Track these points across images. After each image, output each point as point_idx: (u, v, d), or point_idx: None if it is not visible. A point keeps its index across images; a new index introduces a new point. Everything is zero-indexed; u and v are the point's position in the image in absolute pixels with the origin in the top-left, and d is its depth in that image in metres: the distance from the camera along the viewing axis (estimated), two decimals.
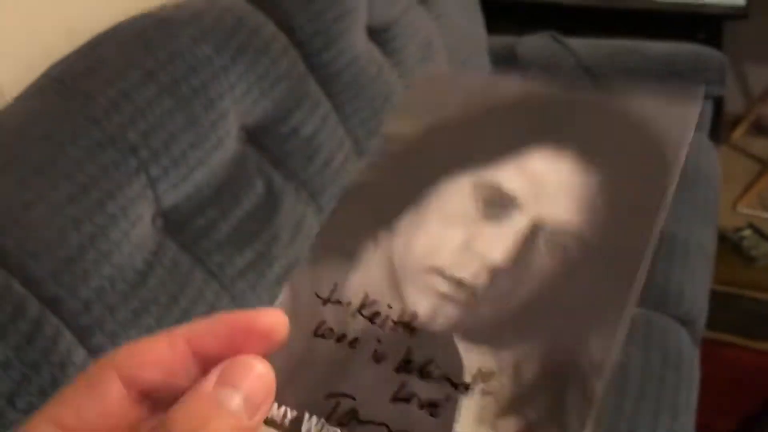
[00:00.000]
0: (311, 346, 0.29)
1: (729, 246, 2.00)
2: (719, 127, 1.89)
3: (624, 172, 0.30)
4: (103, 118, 0.89)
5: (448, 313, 0.28)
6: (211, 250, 0.99)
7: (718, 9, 1.95)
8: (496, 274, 0.28)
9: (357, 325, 0.29)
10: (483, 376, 0.27)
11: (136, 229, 0.90)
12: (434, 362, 0.28)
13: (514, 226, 0.29)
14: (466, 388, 0.27)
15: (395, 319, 0.29)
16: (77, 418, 0.25)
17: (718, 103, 1.78)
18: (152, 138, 0.93)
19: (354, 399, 0.28)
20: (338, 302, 0.30)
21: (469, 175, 0.31)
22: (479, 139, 0.32)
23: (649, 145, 0.30)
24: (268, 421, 0.28)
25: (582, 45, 1.75)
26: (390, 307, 0.29)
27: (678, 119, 0.30)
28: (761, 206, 2.17)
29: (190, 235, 0.99)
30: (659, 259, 1.27)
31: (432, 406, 0.27)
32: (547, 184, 0.30)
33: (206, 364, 0.26)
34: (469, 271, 0.29)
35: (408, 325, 0.28)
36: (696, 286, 1.29)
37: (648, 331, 1.17)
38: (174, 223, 0.98)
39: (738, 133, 2.43)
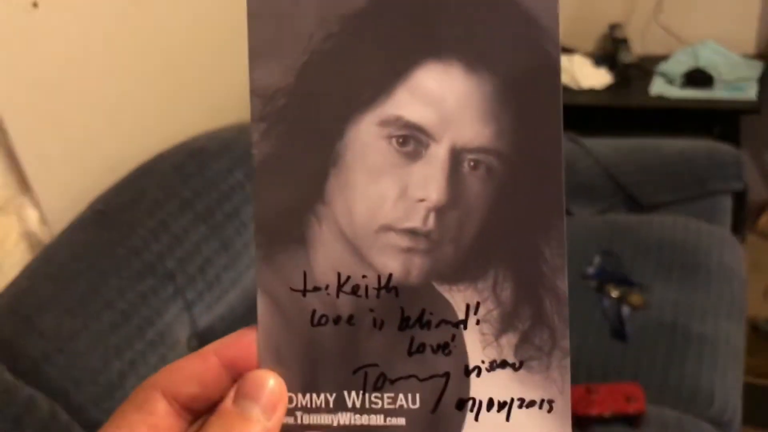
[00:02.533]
0: (316, 336, 0.30)
1: (763, 336, 1.98)
2: (743, 219, 1.90)
3: (510, 64, 0.30)
4: (143, 248, 0.95)
5: (418, 264, 0.30)
6: None
7: (730, 104, 2.00)
8: (440, 213, 0.30)
9: (345, 303, 0.30)
10: (471, 308, 0.30)
11: (174, 352, 0.95)
12: (427, 311, 0.30)
13: (436, 160, 0.30)
14: (463, 323, 0.30)
15: (375, 286, 0.30)
16: None
17: (740, 197, 1.80)
18: (188, 264, 0.99)
19: (377, 365, 0.30)
20: (317, 289, 0.30)
21: (368, 114, 0.30)
22: (358, 69, 0.30)
23: (524, 23, 0.30)
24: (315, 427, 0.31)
25: (599, 145, 1.80)
26: (365, 276, 0.30)
27: None
28: None
29: None
30: (687, 360, 1.27)
31: (444, 348, 0.30)
32: (446, 103, 0.30)
33: (235, 373, 0.30)
34: (417, 219, 0.30)
35: (389, 288, 0.30)
36: (727, 384, 1.28)
37: None
38: (208, 344, 1.03)
39: (764, 221, 2.44)
